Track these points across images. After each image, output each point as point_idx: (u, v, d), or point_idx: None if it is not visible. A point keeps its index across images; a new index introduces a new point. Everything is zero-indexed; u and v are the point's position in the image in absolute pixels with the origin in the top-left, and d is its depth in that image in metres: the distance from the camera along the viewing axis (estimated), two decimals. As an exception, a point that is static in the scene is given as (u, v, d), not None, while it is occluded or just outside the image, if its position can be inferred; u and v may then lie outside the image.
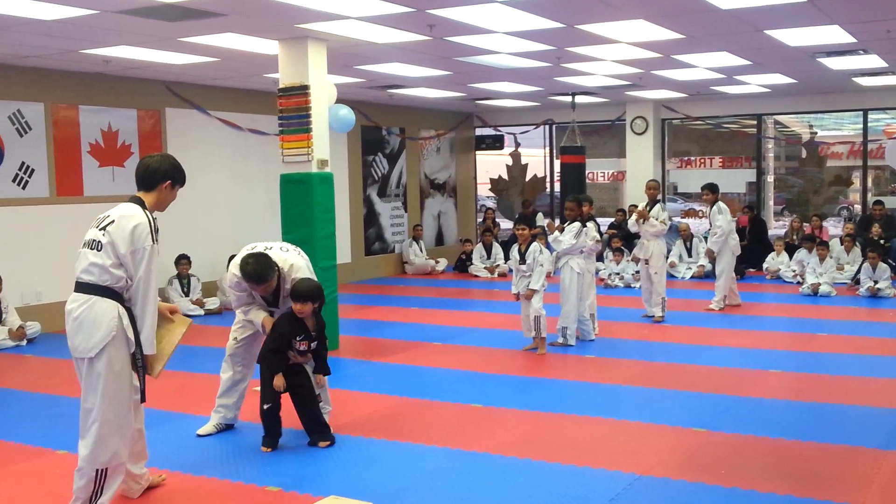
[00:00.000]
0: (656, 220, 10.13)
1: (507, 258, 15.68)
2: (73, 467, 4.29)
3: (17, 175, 10.12)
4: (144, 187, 4.46)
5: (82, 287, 4.26)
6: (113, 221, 4.29)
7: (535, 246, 8.49)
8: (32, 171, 10.26)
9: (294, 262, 5.69)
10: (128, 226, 4.24)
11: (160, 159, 4.53)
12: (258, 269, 5.46)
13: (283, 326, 5.49)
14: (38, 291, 10.06)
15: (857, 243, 13.52)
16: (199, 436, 5.89)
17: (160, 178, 4.46)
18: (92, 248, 4.28)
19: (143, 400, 4.48)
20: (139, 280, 4.27)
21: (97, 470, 4.20)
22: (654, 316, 10.25)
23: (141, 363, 4.37)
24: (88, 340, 4.18)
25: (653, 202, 10.29)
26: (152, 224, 4.33)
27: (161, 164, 4.49)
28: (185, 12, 7.54)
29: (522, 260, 8.51)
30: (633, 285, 13.27)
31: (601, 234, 14.89)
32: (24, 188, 10.19)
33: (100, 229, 4.30)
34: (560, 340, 8.84)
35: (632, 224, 10.48)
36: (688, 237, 14.72)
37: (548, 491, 4.77)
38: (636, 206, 10.67)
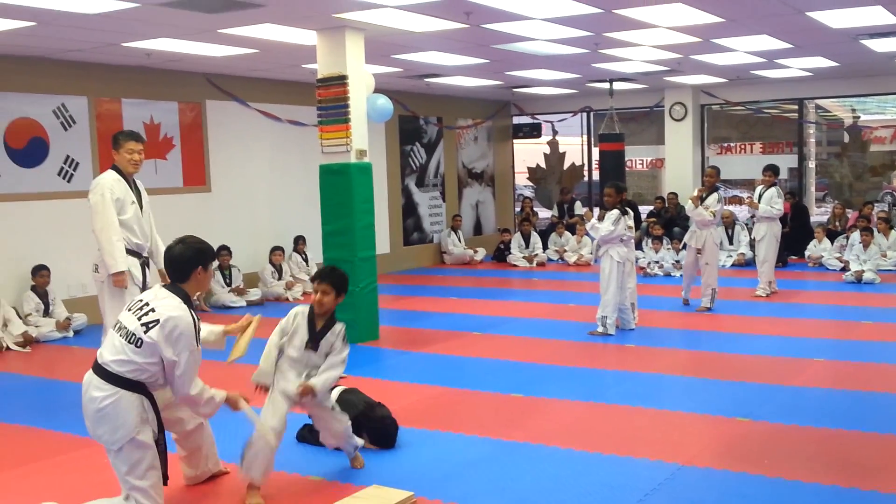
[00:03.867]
0: (707, 209, 10.01)
1: (545, 247, 15.68)
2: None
3: (62, 168, 10.28)
4: (178, 278, 4.30)
5: (110, 377, 4.09)
6: (157, 322, 4.08)
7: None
8: (77, 164, 10.42)
9: None
10: (174, 332, 4.09)
11: (182, 248, 4.33)
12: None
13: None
14: (84, 284, 10.20)
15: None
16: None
17: (190, 266, 4.29)
18: (130, 342, 4.10)
19: (164, 482, 4.31)
20: (177, 378, 4.16)
21: None
22: (700, 304, 10.16)
23: (163, 447, 4.29)
24: (113, 434, 4.07)
25: (710, 190, 10.16)
26: (196, 324, 4.20)
27: (184, 251, 4.31)
28: (225, 3, 7.60)
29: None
30: (672, 273, 13.17)
31: (639, 221, 14.85)
32: (69, 181, 10.34)
33: (141, 324, 4.11)
34: (600, 330, 8.80)
35: (689, 209, 10.35)
36: (730, 224, 14.56)
37: (589, 481, 4.77)
38: (675, 194, 10.56)
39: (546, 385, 6.92)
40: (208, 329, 4.66)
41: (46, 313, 9.71)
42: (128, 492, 4.12)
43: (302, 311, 4.80)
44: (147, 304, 4.19)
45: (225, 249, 11.67)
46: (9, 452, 5.64)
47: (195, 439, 4.76)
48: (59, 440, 5.86)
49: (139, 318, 4.13)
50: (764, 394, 6.48)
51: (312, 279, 4.87)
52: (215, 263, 4.56)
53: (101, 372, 4.11)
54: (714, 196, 10.09)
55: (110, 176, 6.46)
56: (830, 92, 15.95)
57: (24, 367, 8.40)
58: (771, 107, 16.89)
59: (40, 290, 9.69)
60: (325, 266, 5.14)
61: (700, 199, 10.07)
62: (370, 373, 7.44)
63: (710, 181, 10.21)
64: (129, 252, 6.44)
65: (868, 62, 13.05)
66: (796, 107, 16.29)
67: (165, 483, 4.34)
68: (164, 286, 4.33)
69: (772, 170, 10.97)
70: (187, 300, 4.25)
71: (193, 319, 4.19)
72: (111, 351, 4.13)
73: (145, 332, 4.08)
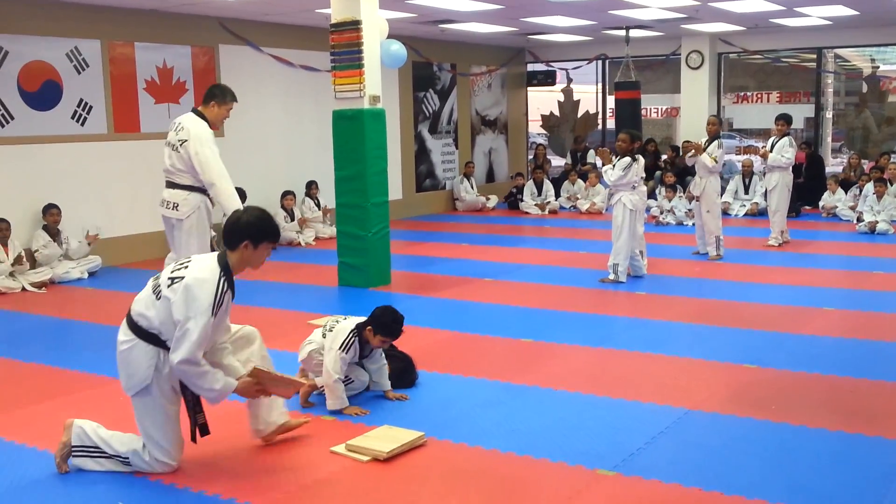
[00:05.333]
0: (710, 156, 9.96)
1: (557, 195, 15.64)
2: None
3: (75, 112, 10.29)
4: (227, 245, 4.12)
5: (131, 324, 4.09)
6: (181, 279, 3.98)
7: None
8: (91, 107, 10.42)
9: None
10: (190, 294, 3.93)
11: (240, 215, 4.18)
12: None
13: None
14: (98, 226, 10.28)
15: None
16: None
17: (237, 237, 4.09)
18: (154, 293, 4.05)
19: (192, 440, 4.27)
20: (175, 340, 3.95)
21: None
22: (709, 255, 10.16)
23: (192, 405, 4.20)
24: (127, 381, 4.12)
25: (712, 138, 10.12)
26: (220, 295, 3.97)
27: (239, 220, 4.14)
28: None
29: None
30: (685, 222, 13.14)
31: (660, 167, 14.79)
32: (82, 125, 10.36)
33: (168, 277, 4.04)
34: (611, 277, 8.83)
35: (688, 157, 10.33)
36: (748, 174, 14.47)
37: (597, 423, 4.83)
38: (690, 142, 10.52)
39: (556, 330, 6.96)
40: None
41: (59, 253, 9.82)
42: (143, 440, 4.16)
43: (355, 344, 5.13)
44: (189, 260, 4.15)
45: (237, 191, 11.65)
46: (27, 390, 5.74)
47: None
48: (76, 378, 5.96)
49: (171, 272, 4.08)
50: (773, 342, 6.51)
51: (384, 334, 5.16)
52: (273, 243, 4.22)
53: (128, 317, 4.14)
54: (715, 143, 10.04)
55: (207, 126, 6.63)
56: (850, 41, 15.72)
57: (40, 307, 8.49)
58: (789, 56, 16.67)
59: (52, 229, 9.76)
60: (395, 320, 5.10)
61: (703, 148, 10.02)
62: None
63: (713, 129, 10.16)
64: None
65: (889, 11, 12.85)
66: (814, 56, 16.08)
67: (193, 440, 4.28)
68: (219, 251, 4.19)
69: (784, 119, 10.92)
70: (226, 269, 4.05)
71: (218, 290, 3.98)
72: (138, 299, 4.14)
73: (168, 287, 4.00)
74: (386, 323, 5.06)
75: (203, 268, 4.04)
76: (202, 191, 6.64)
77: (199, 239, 6.73)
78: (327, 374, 5.08)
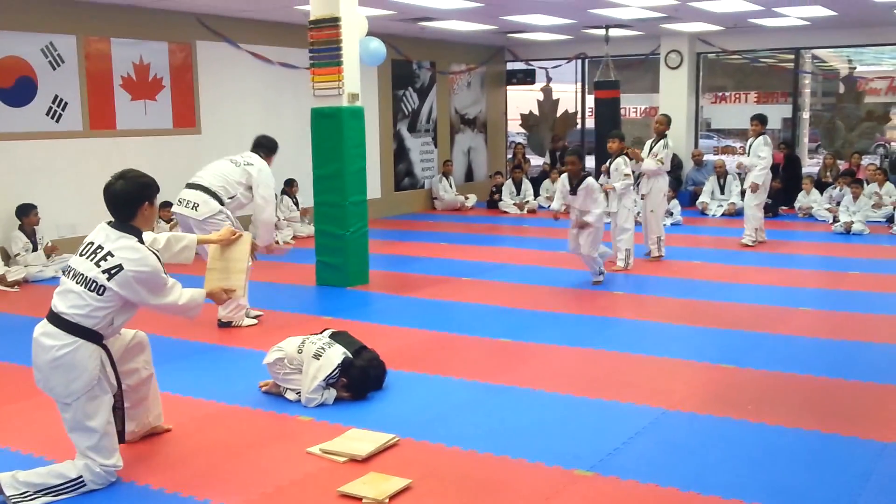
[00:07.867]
0: (655, 157, 9.94)
1: (536, 195, 15.62)
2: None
3: (50, 108, 10.17)
4: (125, 216, 4.05)
5: (67, 325, 3.88)
6: (120, 268, 3.88)
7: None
8: (66, 104, 10.30)
9: None
10: (141, 276, 3.93)
11: (124, 183, 4.05)
12: None
13: None
14: (73, 224, 10.18)
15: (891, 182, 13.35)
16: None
17: (136, 203, 4.05)
18: (90, 290, 3.88)
19: (121, 441, 4.16)
20: (160, 308, 4.13)
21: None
22: (650, 254, 10.12)
23: (120, 404, 4.13)
24: (68, 386, 3.88)
25: (658, 137, 10.09)
26: (160, 259, 4.07)
27: (127, 187, 4.04)
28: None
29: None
30: (664, 222, 13.12)
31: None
32: (57, 121, 10.24)
33: (102, 270, 3.89)
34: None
35: (633, 165, 10.20)
36: (722, 174, 14.52)
37: (575, 424, 4.82)
38: (634, 150, 10.46)
39: (534, 330, 6.94)
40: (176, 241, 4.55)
41: (34, 252, 9.67)
42: (82, 450, 3.96)
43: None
44: (101, 247, 3.95)
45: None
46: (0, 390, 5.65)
47: (144, 389, 4.53)
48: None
49: (97, 264, 3.90)
50: (751, 342, 6.53)
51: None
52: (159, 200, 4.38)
53: (58, 321, 3.91)
54: (661, 143, 10.00)
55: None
56: (827, 42, 15.79)
57: (13, 306, 8.38)
58: (767, 56, 16.74)
59: (28, 230, 9.64)
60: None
61: (649, 149, 10.04)
62: (359, 316, 7.47)
63: (660, 128, 10.11)
64: None
65: (866, 12, 12.92)
66: (792, 56, 16.16)
67: (122, 441, 4.20)
68: (111, 224, 4.06)
69: (759, 119, 10.95)
70: (141, 239, 4.04)
71: (155, 255, 4.04)
72: (68, 299, 3.92)
73: (108, 279, 3.87)
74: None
75: (128, 248, 3.95)
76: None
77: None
78: (304, 397, 5.19)
